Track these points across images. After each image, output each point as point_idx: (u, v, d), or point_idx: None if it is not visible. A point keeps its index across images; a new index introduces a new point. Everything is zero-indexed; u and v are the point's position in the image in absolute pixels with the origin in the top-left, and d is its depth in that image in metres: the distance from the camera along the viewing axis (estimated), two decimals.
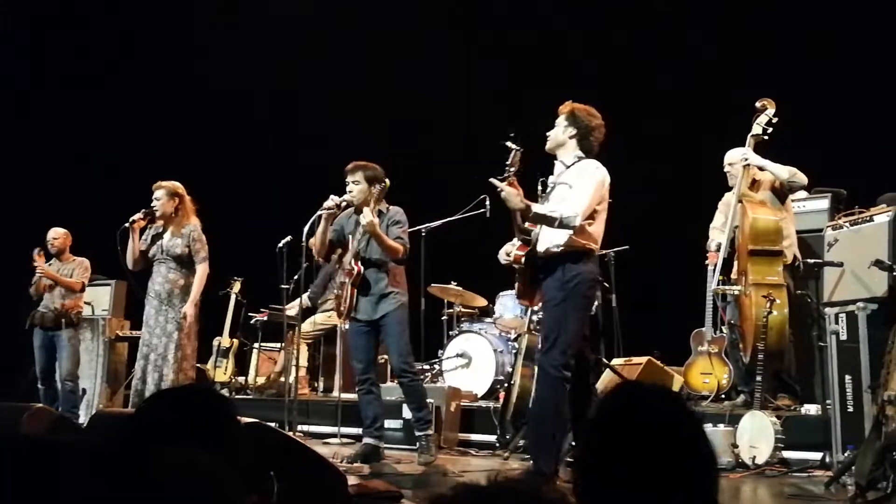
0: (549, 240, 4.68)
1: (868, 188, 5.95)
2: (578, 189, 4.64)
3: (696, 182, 7.38)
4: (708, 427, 5.42)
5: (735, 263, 6.22)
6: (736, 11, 8.60)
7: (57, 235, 7.50)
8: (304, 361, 8.19)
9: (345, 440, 6.44)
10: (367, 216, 5.48)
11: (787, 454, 5.29)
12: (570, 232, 4.57)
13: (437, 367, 7.78)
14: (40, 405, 4.61)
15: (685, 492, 1.47)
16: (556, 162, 4.87)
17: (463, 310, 8.28)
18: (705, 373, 6.81)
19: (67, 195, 9.66)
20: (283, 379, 7.91)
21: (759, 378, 5.49)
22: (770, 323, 5.53)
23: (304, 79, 10.04)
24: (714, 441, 5.13)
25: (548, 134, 4.86)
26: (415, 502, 4.15)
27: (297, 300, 7.58)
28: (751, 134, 6.13)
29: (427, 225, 7.77)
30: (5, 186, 9.59)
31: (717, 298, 6.65)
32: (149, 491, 1.31)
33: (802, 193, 6.44)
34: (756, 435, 5.30)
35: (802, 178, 6.12)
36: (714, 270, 6.34)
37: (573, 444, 4.56)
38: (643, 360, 7.10)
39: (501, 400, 6.62)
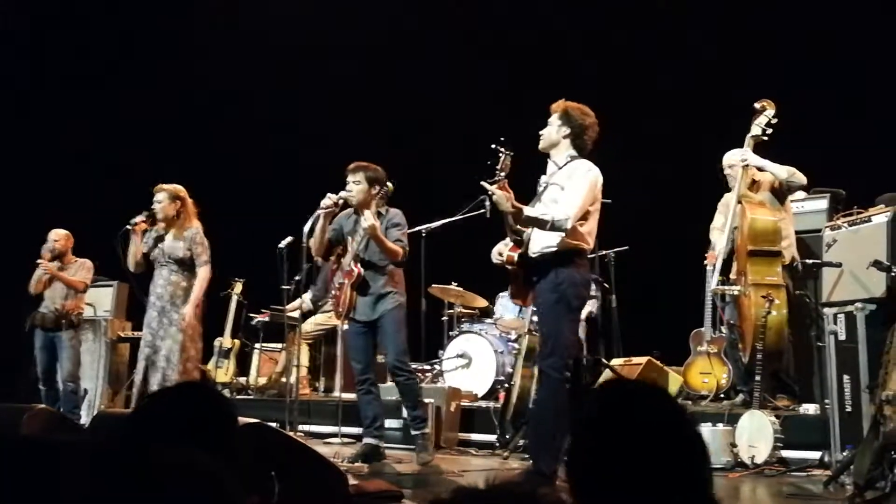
0: (542, 241, 4.67)
1: (866, 189, 5.95)
2: (570, 191, 4.63)
3: (695, 182, 7.38)
4: (707, 426, 5.45)
5: (734, 264, 6.23)
6: (736, 11, 8.60)
7: (58, 238, 7.46)
8: (304, 362, 8.20)
9: (345, 440, 6.45)
10: (369, 219, 5.48)
11: (785, 454, 5.30)
12: (563, 234, 4.57)
13: (437, 367, 7.79)
14: (42, 406, 4.63)
15: (682, 492, 1.47)
16: (549, 161, 4.87)
17: (463, 310, 8.29)
18: (704, 372, 6.82)
19: (67, 195, 9.66)
20: (284, 379, 7.92)
21: (757, 378, 5.50)
22: (769, 323, 5.54)
23: (304, 79, 10.04)
24: (713, 440, 5.21)
25: (541, 133, 4.84)
26: (415, 502, 4.16)
27: (298, 301, 7.59)
28: (750, 135, 6.13)
29: (427, 226, 7.78)
30: (5, 186, 9.60)
31: (716, 298, 6.66)
32: (149, 491, 1.32)
33: (801, 194, 6.44)
34: (755, 434, 5.31)
35: (801, 178, 6.13)
36: (713, 271, 6.34)
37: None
38: (643, 360, 7.11)
39: (501, 400, 6.64)
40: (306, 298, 7.87)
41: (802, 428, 5.53)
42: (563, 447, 4.64)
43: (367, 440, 5.71)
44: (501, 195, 4.47)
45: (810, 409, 5.89)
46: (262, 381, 8.60)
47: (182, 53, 10.21)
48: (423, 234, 7.76)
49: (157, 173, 6.54)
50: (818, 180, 6.57)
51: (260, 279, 8.51)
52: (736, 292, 6.05)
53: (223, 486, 1.38)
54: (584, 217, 4.68)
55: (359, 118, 9.85)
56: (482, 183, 4.52)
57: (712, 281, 6.36)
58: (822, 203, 6.55)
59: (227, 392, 8.40)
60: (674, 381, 7.05)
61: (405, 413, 6.06)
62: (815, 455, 5.20)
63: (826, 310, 5.06)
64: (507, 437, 6.20)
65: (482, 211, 7.09)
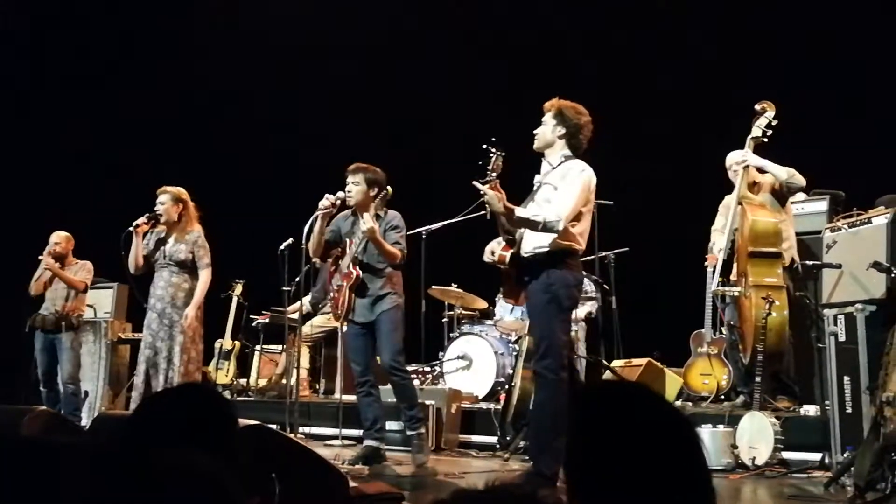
0: (533, 241, 4.66)
1: (866, 190, 5.95)
2: (563, 192, 4.61)
3: (696, 183, 7.39)
4: (707, 428, 5.45)
5: (734, 265, 6.23)
6: (736, 11, 8.60)
7: (59, 240, 7.43)
8: (305, 363, 8.20)
9: (346, 442, 6.44)
10: (368, 222, 5.47)
11: (786, 455, 5.31)
12: (555, 235, 4.56)
13: (437, 368, 7.79)
14: (42, 407, 4.62)
15: (682, 492, 1.47)
16: (543, 161, 4.84)
17: (464, 312, 8.28)
18: (705, 374, 6.82)
19: (67, 196, 9.67)
20: (284, 381, 7.92)
21: (758, 379, 5.50)
22: (769, 324, 5.54)
23: (304, 79, 10.05)
24: (714, 442, 5.21)
25: (535, 132, 4.80)
26: None
27: (298, 302, 7.59)
28: (750, 136, 6.13)
29: (427, 227, 7.78)
30: (5, 187, 9.60)
31: (716, 300, 6.65)
32: (149, 492, 1.32)
33: (801, 195, 6.44)
34: (755, 436, 5.31)
35: (801, 180, 6.13)
36: (713, 272, 6.34)
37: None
38: (643, 361, 7.11)
39: (502, 402, 6.63)
40: (306, 301, 7.86)
41: (803, 429, 5.53)
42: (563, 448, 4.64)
43: (367, 442, 5.70)
44: (493, 195, 4.45)
45: (811, 410, 5.90)
46: (263, 382, 8.60)
47: (182, 53, 10.21)
48: (424, 236, 7.77)
49: (157, 173, 6.56)
50: (818, 182, 6.58)
51: (260, 281, 8.51)
52: (736, 293, 6.05)
53: (224, 487, 1.37)
54: (577, 218, 4.65)
55: (359, 118, 9.86)
56: (474, 182, 4.50)
57: (713, 282, 6.36)
58: (822, 205, 6.55)
59: (227, 394, 8.40)
60: (674, 383, 7.05)
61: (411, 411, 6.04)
62: (816, 456, 5.20)
63: (826, 311, 5.06)
64: (508, 438, 6.20)
65: (482, 212, 7.09)
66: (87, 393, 7.93)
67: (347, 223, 5.80)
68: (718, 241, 6.40)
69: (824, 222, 5.93)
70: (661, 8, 9.00)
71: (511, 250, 4.74)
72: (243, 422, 3.19)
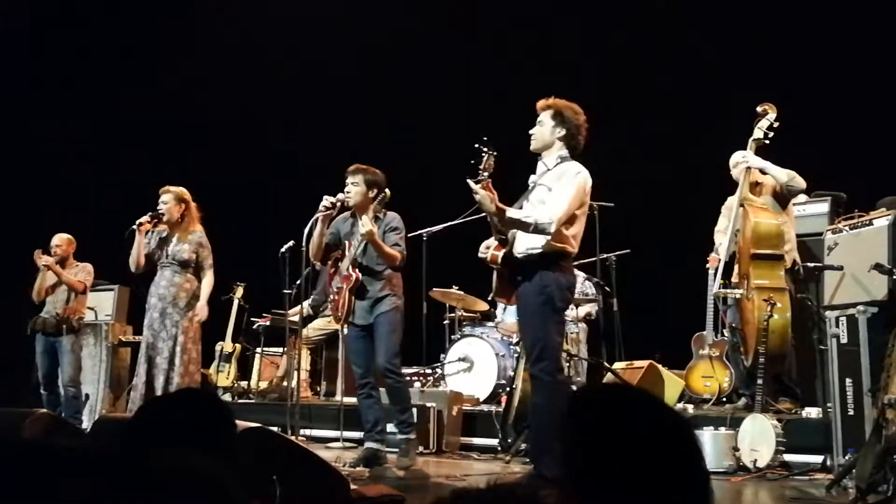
0: (526, 242, 4.62)
1: (868, 192, 5.94)
2: (558, 194, 4.57)
3: (696, 184, 7.38)
4: (709, 430, 5.44)
5: (736, 267, 6.22)
6: (736, 11, 8.60)
7: (60, 242, 7.43)
8: (306, 366, 8.20)
9: (347, 444, 6.44)
10: (367, 225, 5.46)
11: (788, 457, 5.29)
12: (547, 237, 4.55)
13: (439, 371, 7.79)
14: (43, 410, 4.62)
15: (680, 492, 1.48)
16: (539, 161, 4.80)
17: (465, 314, 8.27)
18: (706, 376, 6.82)
19: (68, 196, 9.68)
20: (285, 383, 7.91)
21: (759, 381, 5.49)
22: (771, 326, 5.53)
23: (304, 79, 10.05)
24: (715, 444, 5.20)
25: (531, 133, 4.75)
26: None
27: (299, 305, 7.59)
28: (752, 138, 6.12)
29: (428, 229, 7.78)
30: (5, 187, 9.60)
31: (718, 302, 6.65)
32: (149, 493, 1.32)
33: (802, 197, 6.44)
34: (757, 438, 5.30)
35: (801, 183, 6.12)
36: (715, 274, 6.34)
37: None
38: (645, 363, 7.09)
39: (503, 404, 6.63)
40: (306, 305, 7.86)
41: (804, 431, 5.51)
42: None
43: (368, 444, 5.69)
44: (484, 195, 4.42)
45: (812, 412, 5.89)
46: (264, 385, 8.59)
47: (182, 53, 10.21)
48: (425, 238, 7.76)
49: (158, 173, 6.55)
50: (819, 183, 6.57)
51: (261, 283, 8.51)
52: (738, 295, 6.04)
53: (224, 487, 1.37)
54: (571, 220, 4.61)
55: (359, 118, 9.87)
56: (467, 181, 4.47)
57: (714, 284, 6.36)
58: (824, 206, 6.55)
59: (228, 396, 8.40)
60: (676, 385, 7.04)
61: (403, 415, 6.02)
62: (818, 459, 5.19)
63: (828, 313, 5.05)
64: (510, 440, 6.19)
65: (483, 214, 7.09)
66: (87, 396, 7.93)
67: (347, 225, 5.80)
68: (721, 243, 6.40)
69: (826, 224, 5.92)
70: (661, 8, 9.00)
71: (503, 250, 4.70)
72: (244, 424, 3.19)
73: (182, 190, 6.42)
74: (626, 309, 7.84)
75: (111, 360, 8.25)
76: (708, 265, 6.67)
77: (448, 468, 5.71)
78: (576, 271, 7.63)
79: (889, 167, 6.70)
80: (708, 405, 6.62)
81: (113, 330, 8.30)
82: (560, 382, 4.58)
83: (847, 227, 4.97)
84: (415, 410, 6.09)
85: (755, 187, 6.25)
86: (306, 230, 5.77)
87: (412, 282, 6.72)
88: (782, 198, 6.20)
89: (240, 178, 9.96)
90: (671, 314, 7.71)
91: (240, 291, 8.92)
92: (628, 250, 7.82)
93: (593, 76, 8.91)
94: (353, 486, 3.82)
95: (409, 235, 6.05)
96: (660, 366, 7.09)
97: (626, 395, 1.64)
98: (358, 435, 6.17)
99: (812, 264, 5.56)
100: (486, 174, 4.46)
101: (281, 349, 8.45)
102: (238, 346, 8.87)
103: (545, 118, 4.71)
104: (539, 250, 4.57)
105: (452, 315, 8.21)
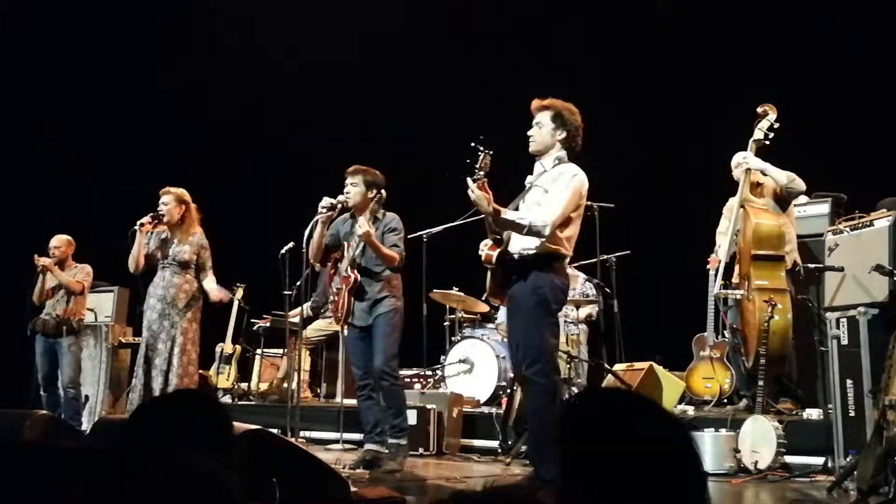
0: (521, 243, 4.59)
1: (868, 193, 5.94)
2: (553, 197, 4.52)
3: (696, 184, 7.38)
4: (710, 432, 5.43)
5: (736, 268, 6.22)
6: (736, 11, 8.60)
7: (59, 244, 7.42)
8: (306, 367, 8.19)
9: (347, 446, 6.44)
10: (364, 226, 5.45)
11: (788, 459, 5.29)
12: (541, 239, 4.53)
13: (439, 372, 7.78)
14: (43, 412, 4.61)
15: (679, 493, 1.47)
16: (536, 162, 4.74)
17: (465, 315, 8.26)
18: (707, 377, 6.81)
19: (68, 197, 9.68)
20: (285, 385, 7.91)
21: (760, 383, 5.48)
22: (772, 327, 5.53)
23: (304, 79, 10.06)
24: (716, 446, 5.19)
25: (530, 134, 4.68)
26: None
27: (299, 307, 7.59)
28: (752, 139, 6.12)
29: (428, 231, 7.77)
30: (5, 188, 9.60)
31: (718, 303, 6.64)
32: (149, 493, 1.31)
33: (803, 198, 6.44)
34: (758, 440, 5.29)
35: (801, 185, 6.12)
36: (716, 275, 6.33)
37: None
38: (645, 365, 7.09)
39: (504, 406, 6.62)
40: (307, 307, 7.85)
41: (805, 433, 5.51)
42: None
43: (368, 446, 5.68)
44: (480, 195, 4.36)
45: (813, 413, 5.88)
46: (264, 386, 8.59)
47: (182, 53, 10.21)
48: (425, 239, 7.75)
49: (158, 174, 6.55)
50: (820, 184, 6.57)
51: (261, 285, 8.50)
52: (739, 296, 6.04)
53: (224, 487, 1.37)
54: (566, 223, 4.56)
55: (359, 118, 9.86)
56: (466, 179, 4.45)
57: (715, 285, 6.35)
58: (824, 207, 6.55)
59: (228, 398, 8.40)
60: (676, 387, 7.03)
61: (410, 419, 6.00)
62: (819, 460, 5.19)
63: (829, 314, 5.05)
64: (510, 442, 6.19)
65: (483, 215, 7.09)
66: (87, 397, 7.92)
67: (346, 225, 5.79)
68: (722, 244, 6.40)
69: (826, 225, 5.92)
70: (660, 8, 9.00)
71: (498, 250, 4.68)
72: (244, 426, 3.19)
73: (182, 191, 6.42)
74: (626, 310, 7.83)
75: (111, 361, 8.24)
76: (708, 266, 6.66)
77: (448, 470, 5.71)
78: (576, 272, 7.70)
79: (889, 168, 6.70)
80: (709, 407, 6.61)
81: (113, 331, 8.29)
82: (556, 383, 4.55)
83: (848, 229, 4.97)
84: (414, 412, 6.08)
85: (756, 188, 6.25)
86: (306, 232, 5.76)
87: (412, 283, 6.71)
88: (783, 199, 6.20)
89: (240, 178, 9.96)
90: (672, 315, 7.70)
91: (240, 293, 8.92)
92: (628, 251, 7.81)
93: (593, 76, 8.90)
94: (353, 488, 3.82)
95: (409, 237, 6.04)
96: (660, 367, 7.08)
97: (622, 399, 1.65)
98: (358, 437, 6.16)
99: (813, 265, 5.56)
100: (482, 173, 4.42)
101: (281, 350, 8.45)
102: (238, 347, 8.87)
103: (544, 119, 4.65)
104: (533, 251, 4.55)
105: (453, 317, 8.20)
